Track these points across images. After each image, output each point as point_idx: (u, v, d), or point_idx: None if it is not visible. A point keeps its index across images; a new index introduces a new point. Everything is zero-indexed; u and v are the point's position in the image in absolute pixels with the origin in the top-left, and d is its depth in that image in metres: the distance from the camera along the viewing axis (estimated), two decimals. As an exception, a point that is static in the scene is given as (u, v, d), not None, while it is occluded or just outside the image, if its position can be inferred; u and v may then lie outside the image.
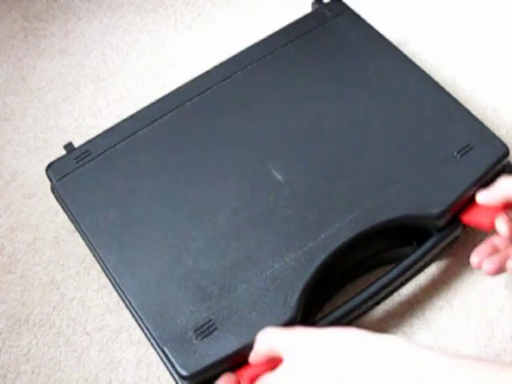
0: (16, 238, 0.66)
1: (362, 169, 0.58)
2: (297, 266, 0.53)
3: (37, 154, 0.72)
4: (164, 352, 0.51)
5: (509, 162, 0.61)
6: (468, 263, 0.58)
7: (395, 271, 0.56)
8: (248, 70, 0.66)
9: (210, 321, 0.51)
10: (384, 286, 0.56)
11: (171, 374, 0.52)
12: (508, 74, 0.75)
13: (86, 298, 0.63)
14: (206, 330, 0.50)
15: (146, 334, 0.52)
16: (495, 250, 0.54)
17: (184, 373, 0.49)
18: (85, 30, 0.84)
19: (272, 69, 0.66)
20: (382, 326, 0.60)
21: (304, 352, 0.44)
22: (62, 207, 0.60)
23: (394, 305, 0.61)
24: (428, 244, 0.57)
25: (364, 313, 0.58)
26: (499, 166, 0.58)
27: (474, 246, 0.63)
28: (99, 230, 0.57)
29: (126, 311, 0.58)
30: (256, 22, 0.83)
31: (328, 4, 0.70)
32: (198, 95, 0.64)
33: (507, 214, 0.54)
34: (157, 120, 0.63)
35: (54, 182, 0.60)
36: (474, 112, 0.63)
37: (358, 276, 0.61)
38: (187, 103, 0.63)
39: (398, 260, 0.58)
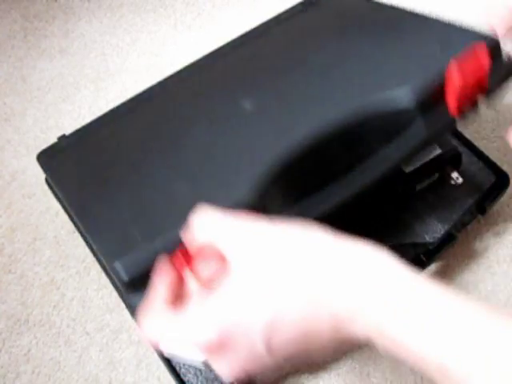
0: (16, 237, 0.66)
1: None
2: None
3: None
4: (108, 262, 0.46)
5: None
6: (468, 263, 0.58)
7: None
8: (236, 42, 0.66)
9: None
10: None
11: (115, 285, 0.50)
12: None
13: (86, 298, 0.63)
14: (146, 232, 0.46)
15: (92, 251, 0.50)
16: None
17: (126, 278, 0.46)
18: (85, 30, 0.84)
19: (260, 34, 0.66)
20: (382, 326, 0.60)
21: (252, 258, 0.37)
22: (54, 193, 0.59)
23: (394, 305, 0.61)
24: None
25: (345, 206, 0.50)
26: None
27: (474, 245, 0.63)
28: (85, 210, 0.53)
29: (126, 311, 0.58)
30: (256, 22, 0.83)
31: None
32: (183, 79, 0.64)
33: None
34: (141, 105, 0.61)
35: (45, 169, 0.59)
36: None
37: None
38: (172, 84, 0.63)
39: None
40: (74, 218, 0.52)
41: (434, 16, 0.57)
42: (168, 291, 0.40)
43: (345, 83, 0.53)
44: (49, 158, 0.59)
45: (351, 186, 0.50)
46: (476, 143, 0.65)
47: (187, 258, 0.40)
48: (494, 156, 0.66)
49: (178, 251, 0.41)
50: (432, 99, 0.50)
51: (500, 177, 0.62)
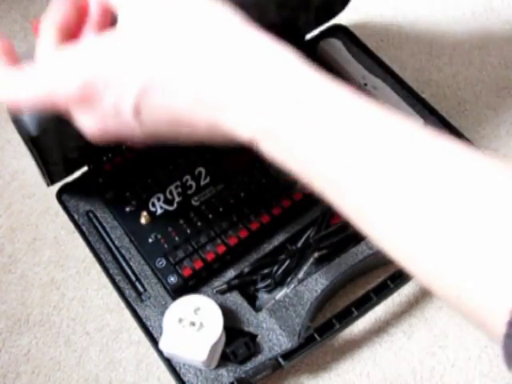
0: (16, 237, 0.66)
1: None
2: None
3: (37, 154, 0.72)
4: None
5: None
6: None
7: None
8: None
9: None
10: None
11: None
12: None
13: (86, 298, 0.63)
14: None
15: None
16: None
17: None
18: (85, 30, 0.84)
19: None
20: (382, 326, 0.60)
21: (145, 14, 0.34)
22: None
23: (394, 305, 0.61)
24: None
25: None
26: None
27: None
28: None
29: (126, 311, 0.58)
30: (256, 22, 0.83)
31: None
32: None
33: None
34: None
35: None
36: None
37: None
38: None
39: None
40: None
41: None
42: (61, 25, 0.38)
43: None
44: None
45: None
46: (476, 143, 0.65)
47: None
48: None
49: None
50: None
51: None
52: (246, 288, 0.60)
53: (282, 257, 0.60)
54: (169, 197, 0.61)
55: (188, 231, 0.59)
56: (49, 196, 0.67)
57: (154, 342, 0.56)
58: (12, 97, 0.37)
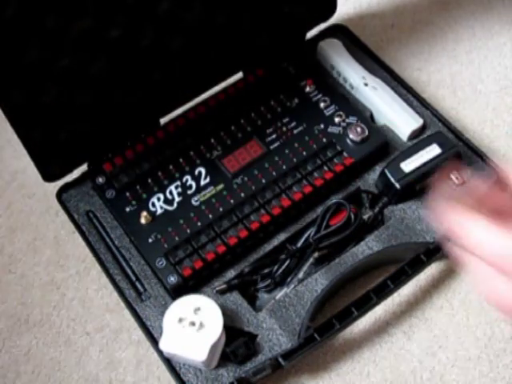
0: (16, 237, 0.66)
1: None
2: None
3: (37, 154, 0.72)
4: None
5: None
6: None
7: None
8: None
9: None
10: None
11: None
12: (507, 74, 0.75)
13: (86, 298, 0.63)
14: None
15: None
16: None
17: None
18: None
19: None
20: (382, 326, 0.60)
21: None
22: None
23: (394, 305, 0.61)
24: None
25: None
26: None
27: (474, 245, 0.63)
28: None
29: (126, 311, 0.58)
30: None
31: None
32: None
33: None
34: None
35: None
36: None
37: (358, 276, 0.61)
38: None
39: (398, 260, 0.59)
40: None
41: None
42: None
43: None
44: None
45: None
46: (476, 143, 0.65)
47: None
48: (493, 156, 0.66)
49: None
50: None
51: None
52: (246, 288, 0.60)
53: (282, 257, 0.60)
54: (169, 197, 0.61)
55: (188, 231, 0.59)
56: (49, 196, 0.67)
57: (154, 341, 0.56)
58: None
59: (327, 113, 0.65)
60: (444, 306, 0.60)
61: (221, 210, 0.60)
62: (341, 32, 0.74)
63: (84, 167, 0.65)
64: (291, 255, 0.60)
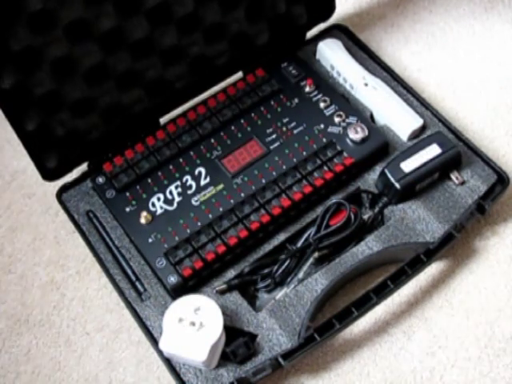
0: (16, 237, 0.66)
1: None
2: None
3: (37, 154, 0.72)
4: None
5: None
6: (468, 263, 0.58)
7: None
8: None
9: None
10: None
11: None
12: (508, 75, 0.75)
13: (85, 298, 0.63)
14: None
15: None
16: None
17: None
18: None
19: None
20: (382, 326, 0.60)
21: None
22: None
23: (394, 305, 0.61)
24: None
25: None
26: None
27: (474, 245, 0.63)
28: None
29: (126, 311, 0.58)
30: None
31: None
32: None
33: None
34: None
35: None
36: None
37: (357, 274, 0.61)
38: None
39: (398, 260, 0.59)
40: None
41: None
42: None
43: None
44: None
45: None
46: (476, 143, 0.65)
47: None
48: (493, 156, 0.66)
49: None
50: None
51: (500, 177, 0.62)
52: (246, 288, 0.60)
53: (282, 257, 0.60)
54: (169, 197, 0.61)
55: (188, 231, 0.59)
56: (49, 196, 0.67)
57: (154, 341, 0.56)
58: None
59: (327, 113, 0.65)
60: (444, 305, 0.60)
61: (221, 209, 0.60)
62: (341, 32, 0.74)
63: (84, 167, 0.65)
64: (291, 255, 0.60)
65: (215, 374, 0.54)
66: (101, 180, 0.63)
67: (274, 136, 0.64)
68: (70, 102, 0.59)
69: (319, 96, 0.67)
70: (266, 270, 0.59)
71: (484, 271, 0.62)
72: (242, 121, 0.65)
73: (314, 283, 0.58)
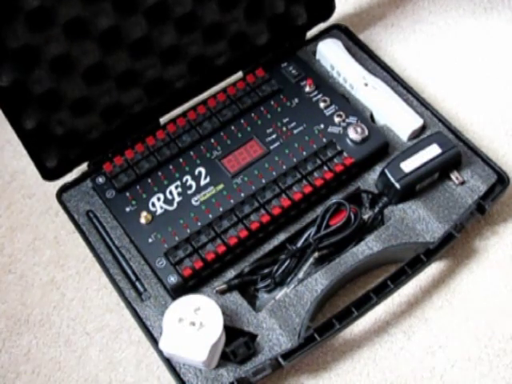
0: (16, 237, 0.66)
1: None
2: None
3: (37, 154, 0.72)
4: None
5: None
6: (468, 263, 0.58)
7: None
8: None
9: None
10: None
11: None
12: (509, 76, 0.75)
13: (85, 298, 0.63)
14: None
15: None
16: None
17: None
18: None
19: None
20: (382, 326, 0.60)
21: None
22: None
23: (394, 305, 0.61)
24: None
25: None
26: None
27: (474, 245, 0.63)
28: None
29: (126, 311, 0.58)
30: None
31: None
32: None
33: None
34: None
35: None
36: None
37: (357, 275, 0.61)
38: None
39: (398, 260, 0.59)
40: None
41: None
42: None
43: None
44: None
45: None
46: (476, 143, 0.65)
47: None
48: (493, 156, 0.66)
49: None
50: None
51: (500, 177, 0.62)
52: (246, 288, 0.60)
53: (282, 257, 0.60)
54: (169, 197, 0.61)
55: (188, 231, 0.59)
56: (49, 196, 0.67)
57: (154, 341, 0.56)
58: None
59: (327, 113, 0.65)
60: (444, 305, 0.60)
61: (221, 209, 0.60)
62: (341, 32, 0.74)
63: (84, 167, 0.65)
64: (291, 255, 0.60)
65: (215, 374, 0.54)
66: (101, 180, 0.63)
67: (273, 136, 0.64)
68: (69, 101, 0.59)
69: (319, 96, 0.67)
70: (266, 270, 0.59)
71: (484, 271, 0.62)
72: (242, 121, 0.65)
73: (313, 283, 0.58)
